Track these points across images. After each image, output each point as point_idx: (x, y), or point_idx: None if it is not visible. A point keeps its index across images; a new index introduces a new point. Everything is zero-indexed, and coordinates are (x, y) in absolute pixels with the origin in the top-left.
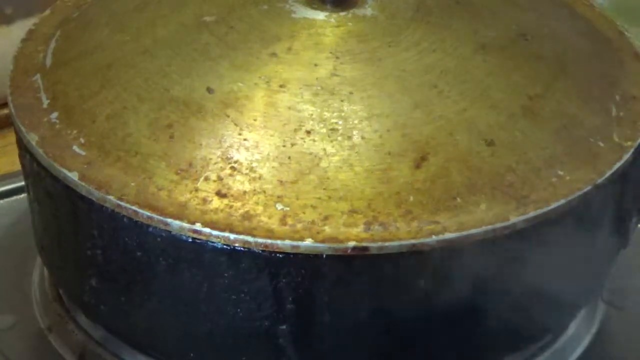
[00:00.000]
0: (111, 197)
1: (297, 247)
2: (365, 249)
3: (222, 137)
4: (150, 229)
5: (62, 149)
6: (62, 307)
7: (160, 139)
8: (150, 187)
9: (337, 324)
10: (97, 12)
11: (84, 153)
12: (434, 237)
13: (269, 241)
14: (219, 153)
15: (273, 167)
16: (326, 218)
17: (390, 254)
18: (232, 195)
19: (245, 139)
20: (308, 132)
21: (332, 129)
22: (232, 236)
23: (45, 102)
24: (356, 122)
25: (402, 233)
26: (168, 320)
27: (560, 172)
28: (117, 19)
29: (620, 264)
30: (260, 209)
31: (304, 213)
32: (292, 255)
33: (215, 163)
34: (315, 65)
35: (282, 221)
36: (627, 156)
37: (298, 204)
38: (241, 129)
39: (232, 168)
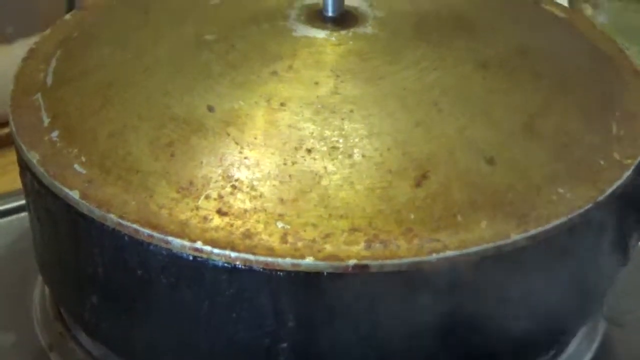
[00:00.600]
0: (112, 216)
1: (298, 265)
2: (366, 267)
3: (222, 155)
4: (151, 247)
5: (63, 168)
6: (63, 326)
7: (161, 157)
8: (151, 206)
9: (338, 341)
10: (98, 30)
11: (84, 172)
12: (434, 255)
13: (270, 259)
14: (219, 171)
15: (274, 185)
16: (327, 236)
17: (391, 272)
18: (232, 214)
19: (246, 157)
20: (309, 151)
21: (333, 147)
22: (233, 254)
23: (46, 121)
24: (357, 140)
25: (403, 251)
26: (169, 338)
27: (561, 190)
28: (118, 38)
29: (621, 282)
30: (261, 227)
31: (304, 231)
32: (292, 274)
33: (216, 181)
34: (316, 83)
35: (283, 239)
36: (627, 174)
37: (299, 222)
38: (242, 147)
39: (233, 186)
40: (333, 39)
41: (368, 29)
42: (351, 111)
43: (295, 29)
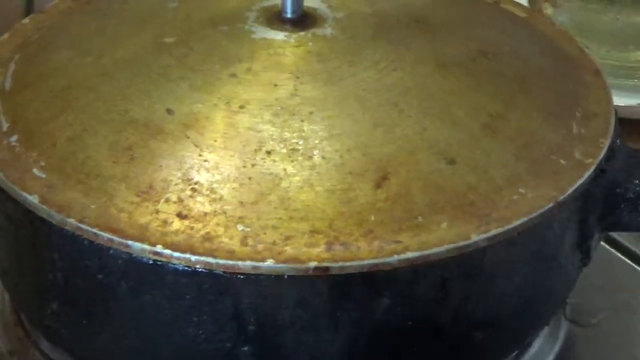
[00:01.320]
0: (72, 220)
1: (259, 268)
2: (327, 269)
3: (182, 158)
4: (111, 252)
5: (22, 172)
6: (24, 332)
7: (121, 161)
8: (110, 210)
9: (300, 344)
10: (57, 35)
11: (44, 176)
12: (395, 256)
13: (230, 262)
14: (179, 174)
15: (233, 188)
16: (287, 238)
17: (352, 274)
18: (192, 217)
19: (205, 160)
20: (268, 153)
21: (293, 149)
22: (193, 258)
23: (5, 126)
24: (317, 142)
25: (364, 253)
26: (130, 342)
27: (522, 190)
28: (77, 42)
29: (583, 282)
30: (221, 230)
31: (265, 234)
32: (253, 276)
33: (175, 184)
34: (275, 85)
35: (243, 242)
36: (588, 173)
37: (259, 225)
38: (201, 150)
39: (193, 189)
40: (292, 40)
41: (327, 30)
42: (311, 113)
43: (254, 31)
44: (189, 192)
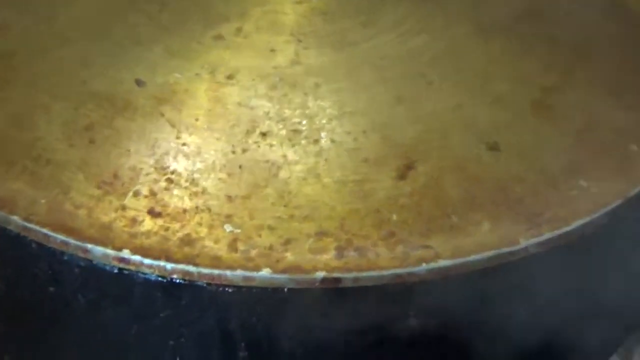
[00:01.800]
0: (16, 218)
1: (252, 278)
2: (338, 280)
3: (155, 141)
4: (66, 257)
5: None
6: None
7: (78, 144)
8: (65, 205)
9: None
10: None
11: None
12: (424, 265)
13: (216, 271)
14: (151, 162)
15: (220, 178)
16: (288, 242)
17: (369, 286)
18: (168, 214)
19: (184, 144)
20: (263, 135)
21: (294, 130)
22: (169, 265)
23: None
24: (324, 121)
25: (384, 260)
26: None
27: (583, 183)
28: None
29: None
30: (204, 231)
31: (259, 236)
32: (244, 289)
33: (147, 174)
34: (272, 50)
35: (232, 246)
36: None
37: (252, 225)
38: (179, 132)
39: (169, 180)
40: None
41: None
42: (317, 85)
43: None
44: (163, 184)
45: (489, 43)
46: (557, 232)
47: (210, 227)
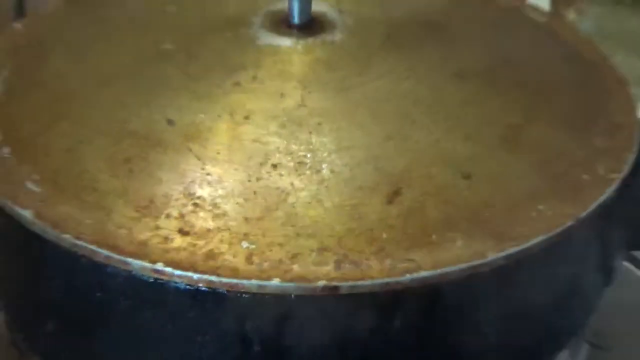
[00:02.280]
0: (67, 236)
1: (264, 287)
2: (336, 288)
3: (183, 171)
4: (109, 269)
5: (15, 186)
6: (19, 351)
7: (119, 174)
8: (108, 225)
9: None
10: (52, 41)
11: (38, 190)
12: (408, 275)
13: (234, 281)
14: (180, 189)
15: (238, 203)
16: (294, 256)
17: (363, 293)
18: (195, 233)
19: (208, 174)
20: (274, 166)
21: (300, 162)
22: (196, 276)
23: None
24: (325, 154)
25: (375, 271)
26: None
27: (541, 207)
28: (73, 49)
29: (605, 303)
30: (224, 247)
31: (270, 251)
32: (258, 296)
33: (176, 199)
34: (282, 95)
35: (248, 260)
36: (611, 189)
37: (265, 242)
38: (204, 163)
39: (195, 204)
40: (299, 47)
41: (336, 36)
42: (319, 124)
43: (259, 37)
44: (191, 207)
45: (464, 87)
46: (518, 248)
47: (230, 243)
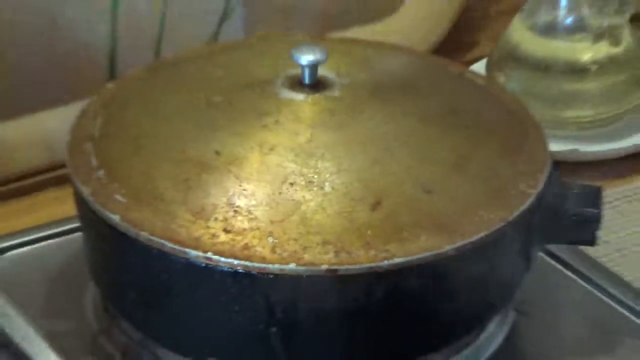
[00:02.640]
0: (144, 234)
1: (284, 270)
2: (335, 271)
3: (226, 188)
4: (173, 257)
5: (107, 198)
6: (109, 316)
7: (180, 189)
8: (172, 226)
9: (315, 327)
10: (132, 95)
11: (123, 201)
12: (386, 261)
13: (263, 265)
14: (224, 200)
15: (265, 210)
16: (305, 248)
17: (354, 274)
18: (234, 231)
19: (244, 189)
20: (291, 184)
21: (309, 181)
22: (235, 262)
23: (94, 163)
24: (327, 176)
25: (363, 259)
26: (188, 326)
27: (482, 213)
28: (147, 101)
29: (526, 282)
30: (256, 241)
31: (288, 244)
32: (279, 276)
33: (221, 207)
34: (296, 133)
35: (272, 250)
36: (531, 200)
37: (284, 238)
38: (241, 182)
39: (235, 211)
40: (309, 100)
41: (336, 92)
42: (323, 154)
43: (280, 93)
44: (231, 213)
45: (427, 128)
46: (465, 242)
47: (260, 239)
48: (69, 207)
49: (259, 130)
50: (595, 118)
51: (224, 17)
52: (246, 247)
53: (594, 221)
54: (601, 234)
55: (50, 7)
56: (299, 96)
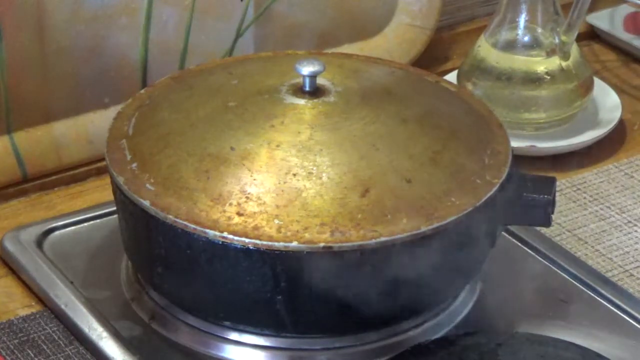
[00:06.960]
0: (171, 216)
1: (288, 247)
2: (331, 247)
3: (240, 178)
4: (195, 236)
5: (139, 186)
6: (140, 285)
7: (201, 179)
8: (194, 210)
9: (314, 295)
10: (161, 100)
11: (153, 189)
12: (373, 240)
13: (270, 243)
14: (238, 188)
15: (272, 196)
16: (306, 228)
17: (346, 250)
18: (246, 215)
19: (255, 179)
20: (294, 175)
21: (309, 173)
22: (247, 240)
23: (129, 157)
24: (324, 168)
25: (354, 237)
26: (207, 293)
27: (453, 199)
28: (173, 105)
29: (492, 256)
30: (264, 222)
31: (292, 225)
32: (284, 252)
33: (235, 194)
34: (299, 133)
35: (278, 231)
36: (495, 189)
37: (288, 220)
38: (252, 173)
39: (247, 197)
40: (309, 104)
41: (331, 98)
42: (321, 150)
43: (285, 98)
44: (244, 199)
45: (407, 128)
46: (440, 224)
47: (267, 221)
48: (107, 194)
49: (268, 130)
50: (549, 120)
51: (238, 35)
52: (256, 227)
53: (548, 206)
54: (555, 217)
55: (99, 29)
56: (301, 101)
